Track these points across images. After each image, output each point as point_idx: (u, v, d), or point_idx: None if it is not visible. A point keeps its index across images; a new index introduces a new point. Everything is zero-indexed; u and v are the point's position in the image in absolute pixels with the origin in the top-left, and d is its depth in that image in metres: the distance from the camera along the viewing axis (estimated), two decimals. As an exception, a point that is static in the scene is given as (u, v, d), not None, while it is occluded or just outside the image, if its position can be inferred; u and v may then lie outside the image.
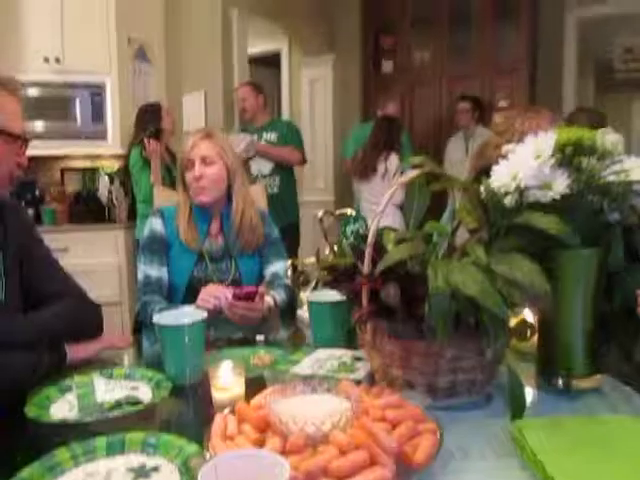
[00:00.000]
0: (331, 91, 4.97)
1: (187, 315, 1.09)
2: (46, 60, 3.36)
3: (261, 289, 1.47)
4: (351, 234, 1.03)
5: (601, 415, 0.84)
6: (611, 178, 0.83)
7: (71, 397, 0.96)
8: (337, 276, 0.93)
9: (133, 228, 3.34)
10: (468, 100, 4.19)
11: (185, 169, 1.67)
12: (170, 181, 3.22)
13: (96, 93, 3.47)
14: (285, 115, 5.36)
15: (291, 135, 3.57)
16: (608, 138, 0.91)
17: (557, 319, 0.89)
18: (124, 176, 3.47)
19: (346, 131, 4.62)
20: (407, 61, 4.81)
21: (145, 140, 3.06)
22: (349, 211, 1.43)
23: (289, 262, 1.52)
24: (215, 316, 1.39)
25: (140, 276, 1.65)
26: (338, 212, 1.49)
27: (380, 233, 0.93)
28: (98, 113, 3.49)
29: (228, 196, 1.70)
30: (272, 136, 3.54)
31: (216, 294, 1.43)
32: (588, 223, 0.86)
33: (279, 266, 1.73)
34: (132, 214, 3.44)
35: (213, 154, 1.65)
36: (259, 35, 4.83)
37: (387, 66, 4.93)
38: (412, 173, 0.88)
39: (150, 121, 3.21)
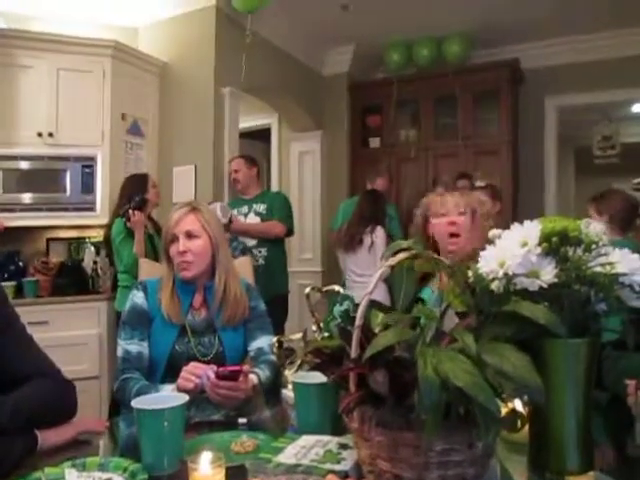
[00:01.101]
0: (319, 164, 5.11)
1: (167, 399, 1.04)
2: (39, 135, 3.42)
3: (245, 368, 1.43)
4: (338, 315, 1.01)
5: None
6: (597, 269, 0.83)
7: (39, 491, 0.90)
8: (324, 359, 0.91)
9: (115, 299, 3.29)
10: (466, 178, 4.24)
11: (169, 243, 1.66)
12: (153, 253, 3.20)
13: (87, 165, 3.52)
14: (275, 187, 5.46)
15: (279, 206, 3.62)
16: (592, 228, 0.93)
17: (548, 411, 0.87)
18: (107, 246, 3.44)
19: (334, 203, 4.70)
20: (393, 138, 4.98)
21: (130, 211, 3.05)
22: (336, 288, 1.42)
23: (275, 338, 1.49)
24: (196, 396, 1.34)
25: (119, 352, 1.60)
26: (325, 289, 1.47)
27: (368, 315, 0.92)
28: (88, 185, 3.52)
29: (212, 268, 1.69)
30: (261, 207, 3.59)
31: (198, 373, 1.38)
32: (576, 312, 0.86)
33: (264, 341, 1.69)
34: (116, 285, 3.39)
35: (197, 227, 1.66)
36: (250, 111, 5.01)
37: (374, 142, 5.10)
38: (400, 256, 0.88)
39: (136, 192, 3.21)
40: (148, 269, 2.17)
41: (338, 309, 1.02)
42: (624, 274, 0.83)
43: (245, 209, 3.63)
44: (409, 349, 0.79)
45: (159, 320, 1.63)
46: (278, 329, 3.44)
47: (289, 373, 1.35)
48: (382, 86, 5.04)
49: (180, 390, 1.33)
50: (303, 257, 4.86)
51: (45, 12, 3.81)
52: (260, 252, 3.49)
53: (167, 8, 3.99)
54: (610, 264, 0.86)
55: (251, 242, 3.51)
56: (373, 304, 0.96)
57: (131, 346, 1.59)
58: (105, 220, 3.53)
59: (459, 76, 4.66)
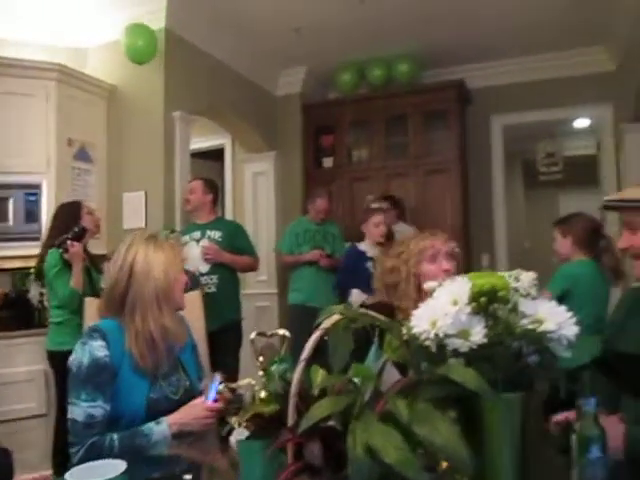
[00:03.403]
0: (273, 185, 5.09)
1: (105, 468, 1.00)
2: (-20, 162, 3.30)
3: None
4: (277, 375, 1.00)
5: None
6: (527, 326, 0.86)
7: None
8: (262, 426, 0.90)
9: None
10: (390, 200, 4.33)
11: None
12: (90, 287, 3.01)
13: (31, 193, 3.41)
14: (229, 208, 5.42)
15: (244, 241, 3.67)
16: (523, 280, 0.96)
17: (486, 466, 0.88)
18: (37, 278, 3.19)
19: (289, 224, 4.69)
20: (346, 158, 5.03)
21: (68, 242, 2.84)
22: (281, 331, 1.41)
23: (221, 385, 1.46)
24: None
25: (78, 416, 1.41)
26: (270, 333, 1.46)
27: (307, 375, 0.91)
28: (32, 213, 3.42)
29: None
30: (216, 234, 3.55)
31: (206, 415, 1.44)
32: (508, 368, 0.87)
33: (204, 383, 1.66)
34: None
35: None
36: (203, 131, 4.98)
37: (327, 162, 5.13)
38: (333, 318, 0.88)
39: (70, 220, 3.00)
40: (93, 309, 2.09)
41: (277, 369, 1.01)
42: (552, 331, 0.86)
43: (198, 234, 3.58)
44: (344, 418, 0.79)
45: (126, 371, 1.48)
46: (234, 355, 3.42)
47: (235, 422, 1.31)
48: (335, 106, 5.09)
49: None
50: (258, 279, 4.82)
51: (-12, 34, 3.69)
52: (212, 279, 3.45)
53: (116, 30, 3.92)
54: (538, 321, 0.88)
55: (204, 268, 3.46)
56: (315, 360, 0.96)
57: (94, 410, 1.42)
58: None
59: (409, 96, 4.77)
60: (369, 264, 3.43)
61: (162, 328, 1.53)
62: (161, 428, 1.45)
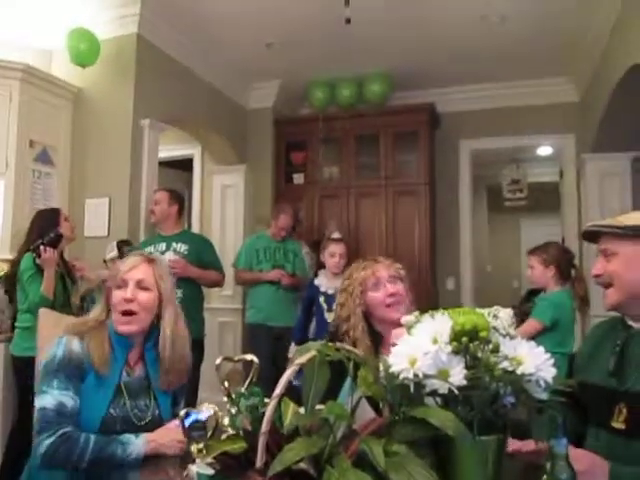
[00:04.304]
0: (242, 199, 5.03)
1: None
2: None
3: None
4: (245, 410, 0.95)
5: None
6: (506, 367, 0.84)
7: None
8: (229, 464, 0.85)
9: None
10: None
11: (115, 288, 1.55)
12: (64, 294, 3.01)
13: (-13, 195, 3.26)
14: (196, 219, 5.31)
15: (211, 255, 3.60)
16: (501, 317, 0.94)
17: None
18: (10, 283, 3.17)
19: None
20: (317, 175, 5.01)
21: (42, 247, 2.82)
22: (249, 357, 1.36)
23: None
24: None
25: (49, 403, 1.38)
26: (237, 358, 1.41)
27: (277, 413, 0.87)
28: (-13, 215, 3.26)
29: (152, 327, 1.59)
30: (182, 247, 3.46)
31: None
32: (485, 410, 0.86)
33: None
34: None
35: (150, 280, 1.57)
36: (172, 140, 4.87)
37: (298, 178, 5.10)
38: (307, 355, 0.84)
39: (47, 226, 3.00)
40: (47, 320, 2.00)
41: (245, 403, 0.97)
42: (530, 374, 0.84)
43: (162, 246, 3.49)
44: (316, 461, 0.75)
45: (92, 377, 1.46)
46: (194, 373, 3.31)
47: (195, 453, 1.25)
48: (307, 122, 5.07)
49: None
50: (223, 294, 4.72)
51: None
52: (176, 294, 3.34)
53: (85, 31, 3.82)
54: (517, 361, 0.87)
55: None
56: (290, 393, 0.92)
57: (66, 398, 1.39)
58: (6, 254, 3.27)
59: (380, 116, 4.80)
60: (321, 298, 3.45)
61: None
62: (139, 442, 1.40)
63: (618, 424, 1.22)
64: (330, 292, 3.42)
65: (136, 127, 3.72)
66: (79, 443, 1.34)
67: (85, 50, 3.59)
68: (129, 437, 1.41)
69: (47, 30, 3.82)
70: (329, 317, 3.36)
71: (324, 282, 3.51)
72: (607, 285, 1.34)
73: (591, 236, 1.39)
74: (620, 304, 1.32)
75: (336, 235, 3.95)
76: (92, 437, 1.37)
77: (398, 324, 1.64)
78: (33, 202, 3.44)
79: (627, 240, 1.28)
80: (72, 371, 1.43)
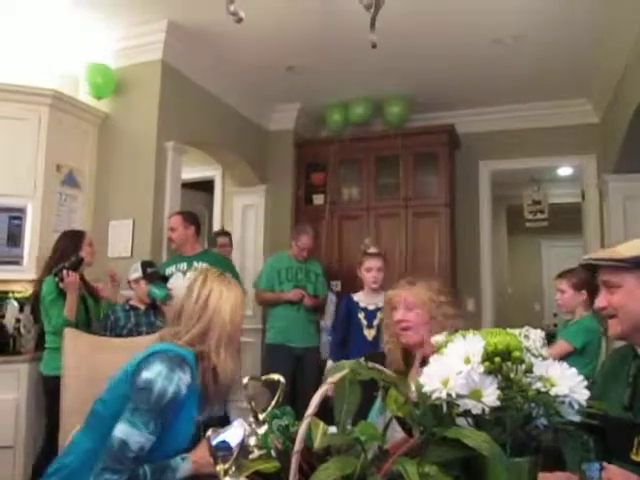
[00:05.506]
0: (263, 219, 5.08)
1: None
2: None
3: None
4: (278, 430, 0.95)
5: None
6: (540, 389, 0.83)
7: None
8: (260, 484, 0.85)
9: (39, 361, 3.05)
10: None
11: None
12: (85, 316, 3.05)
13: (15, 217, 3.33)
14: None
15: (228, 272, 3.55)
16: (532, 338, 0.94)
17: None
18: (34, 303, 3.22)
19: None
20: (337, 196, 5.04)
21: (64, 271, 2.87)
22: (276, 377, 1.36)
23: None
24: None
25: (134, 444, 1.34)
26: (264, 378, 1.41)
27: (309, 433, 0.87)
28: (15, 237, 3.33)
29: None
30: (204, 266, 3.49)
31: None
32: (517, 432, 0.85)
33: None
34: (41, 345, 3.16)
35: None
36: (193, 162, 4.95)
37: (318, 199, 5.13)
38: (340, 373, 0.85)
39: (70, 249, 3.05)
40: (73, 339, 2.04)
41: (277, 423, 0.97)
42: (565, 395, 0.84)
43: (184, 266, 3.53)
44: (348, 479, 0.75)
45: (190, 405, 1.49)
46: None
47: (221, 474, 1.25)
48: (327, 144, 5.12)
49: None
50: (244, 314, 4.73)
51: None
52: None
53: (111, 58, 3.93)
54: (549, 381, 0.86)
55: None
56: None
57: (149, 443, 1.37)
58: (32, 275, 3.33)
59: (400, 138, 4.82)
60: (361, 315, 3.36)
61: (226, 366, 1.56)
62: (186, 466, 1.44)
63: (638, 457, 1.19)
64: (371, 308, 3.35)
65: (160, 150, 3.79)
66: (139, 478, 1.36)
67: (102, 84, 3.80)
68: (178, 462, 1.44)
69: (74, 56, 3.94)
70: (368, 334, 3.31)
71: (362, 298, 3.44)
72: (610, 316, 1.32)
73: (590, 266, 1.37)
74: (624, 335, 1.31)
75: (373, 249, 3.86)
76: (148, 470, 1.38)
77: (412, 347, 1.69)
78: (58, 224, 3.50)
79: (629, 272, 1.26)
80: (170, 415, 1.42)
